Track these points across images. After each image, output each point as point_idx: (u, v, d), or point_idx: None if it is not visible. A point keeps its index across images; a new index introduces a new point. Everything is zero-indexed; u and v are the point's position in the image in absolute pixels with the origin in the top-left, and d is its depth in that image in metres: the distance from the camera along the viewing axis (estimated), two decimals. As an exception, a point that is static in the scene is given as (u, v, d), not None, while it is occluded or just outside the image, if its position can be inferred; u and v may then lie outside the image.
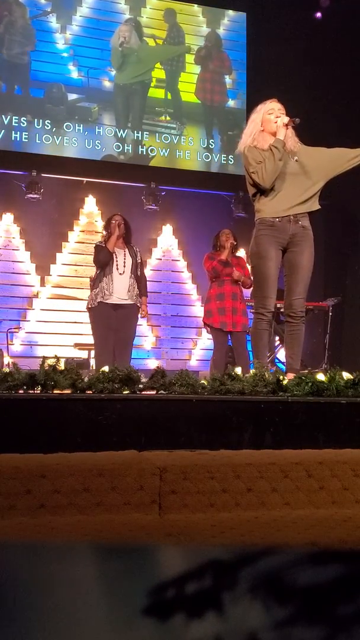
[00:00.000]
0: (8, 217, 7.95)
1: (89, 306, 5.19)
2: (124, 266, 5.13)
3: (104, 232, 5.42)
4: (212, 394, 2.78)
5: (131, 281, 5.13)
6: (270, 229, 3.68)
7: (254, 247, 3.73)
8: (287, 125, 3.66)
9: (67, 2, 8.43)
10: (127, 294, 5.09)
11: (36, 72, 8.22)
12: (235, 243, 5.60)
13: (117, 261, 5.12)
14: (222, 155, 8.75)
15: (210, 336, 5.98)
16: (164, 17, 8.75)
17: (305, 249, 3.71)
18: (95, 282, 5.22)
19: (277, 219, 3.66)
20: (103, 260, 5.11)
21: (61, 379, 2.66)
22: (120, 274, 5.10)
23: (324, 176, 3.75)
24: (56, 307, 7.87)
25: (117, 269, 5.10)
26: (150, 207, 8.34)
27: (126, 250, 5.19)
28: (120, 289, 5.07)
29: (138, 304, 5.20)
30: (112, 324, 5.10)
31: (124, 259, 5.16)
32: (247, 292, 6.96)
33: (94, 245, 5.51)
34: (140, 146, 8.51)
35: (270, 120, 3.69)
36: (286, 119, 3.67)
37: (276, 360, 7.03)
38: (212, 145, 8.75)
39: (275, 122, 3.67)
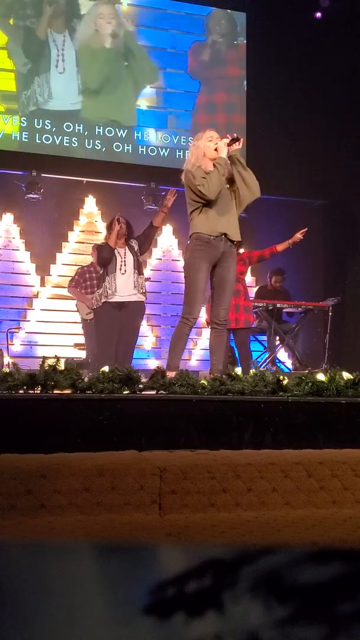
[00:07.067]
0: (8, 217, 7.94)
1: (93, 307, 5.20)
2: (125, 264, 5.13)
3: (107, 233, 5.43)
4: (212, 394, 2.78)
5: (135, 276, 5.14)
6: (205, 245, 3.95)
7: (189, 259, 4.03)
8: (229, 144, 3.91)
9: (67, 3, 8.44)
10: (133, 289, 5.10)
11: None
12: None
13: (119, 261, 5.12)
14: (222, 155, 8.73)
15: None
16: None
17: (231, 265, 4.05)
18: (98, 283, 5.23)
19: (212, 237, 3.94)
20: (106, 256, 5.12)
21: (61, 379, 2.66)
22: (122, 273, 5.11)
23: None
24: (56, 307, 7.86)
25: (120, 269, 5.10)
26: (150, 207, 8.33)
27: (126, 248, 5.21)
28: (124, 287, 5.08)
29: (144, 300, 5.24)
30: (115, 325, 5.10)
31: (124, 257, 5.16)
32: (251, 293, 6.98)
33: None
34: (140, 146, 8.51)
35: (211, 147, 3.98)
36: (226, 140, 3.91)
37: (276, 361, 7.02)
38: (212, 145, 8.74)
39: (215, 148, 3.94)
